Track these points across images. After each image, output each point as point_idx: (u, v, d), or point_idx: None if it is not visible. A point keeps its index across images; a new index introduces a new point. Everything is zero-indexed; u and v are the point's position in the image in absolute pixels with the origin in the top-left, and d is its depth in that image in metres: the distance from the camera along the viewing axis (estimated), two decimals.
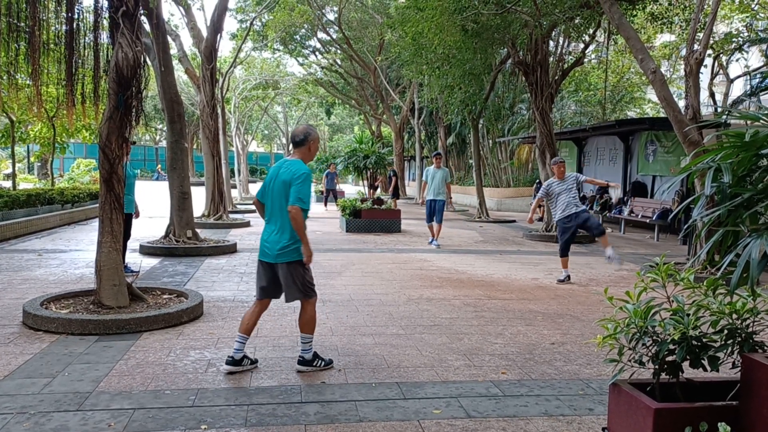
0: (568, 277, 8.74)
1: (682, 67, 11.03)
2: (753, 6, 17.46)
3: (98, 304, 5.84)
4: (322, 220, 18.02)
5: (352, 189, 35.65)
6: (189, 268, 9.00)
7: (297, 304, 4.59)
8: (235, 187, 28.70)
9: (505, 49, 17.04)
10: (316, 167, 32.21)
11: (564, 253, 8.77)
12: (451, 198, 12.33)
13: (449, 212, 21.59)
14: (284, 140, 61.56)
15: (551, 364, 4.82)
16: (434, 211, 12.41)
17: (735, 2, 17.87)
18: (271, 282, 4.53)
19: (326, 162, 26.83)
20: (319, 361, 4.53)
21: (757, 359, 2.65)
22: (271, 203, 4.50)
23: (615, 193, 8.20)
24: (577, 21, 13.54)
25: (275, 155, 62.25)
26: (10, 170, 27.83)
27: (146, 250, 10.26)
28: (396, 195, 21.38)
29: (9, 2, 6.42)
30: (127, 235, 7.94)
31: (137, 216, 8.78)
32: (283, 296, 4.56)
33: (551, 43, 16.89)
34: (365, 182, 25.29)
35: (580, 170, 21.28)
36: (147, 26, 10.48)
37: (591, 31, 15.03)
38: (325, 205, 23.25)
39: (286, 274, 4.41)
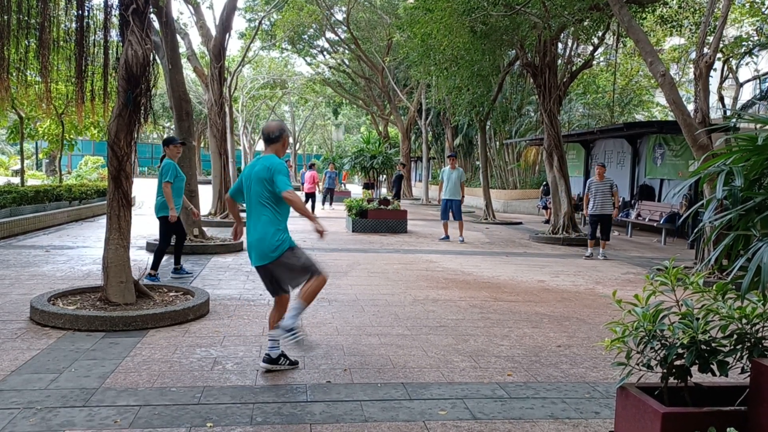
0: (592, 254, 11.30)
1: (692, 70, 10.98)
2: (763, 10, 17.37)
3: (105, 300, 5.86)
4: (327, 220, 18.05)
5: (358, 189, 35.69)
6: (195, 266, 9.02)
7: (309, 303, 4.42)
8: None
9: (514, 51, 17.01)
10: (323, 166, 32.30)
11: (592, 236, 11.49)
12: (463, 197, 13.55)
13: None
14: (291, 140, 61.79)
15: (557, 366, 4.80)
16: (449, 209, 13.40)
17: (745, 6, 17.79)
18: (274, 281, 4.48)
19: (332, 161, 26.94)
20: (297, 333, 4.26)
21: (767, 364, 2.63)
22: (249, 199, 4.45)
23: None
24: (586, 23, 13.50)
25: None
26: (18, 166, 27.99)
27: (153, 248, 10.25)
28: (397, 196, 21.49)
29: None
30: (182, 235, 8.31)
31: (196, 216, 9.81)
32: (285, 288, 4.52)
33: (560, 45, 16.87)
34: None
35: (587, 173, 21.23)
36: (156, 24, 10.52)
37: (600, 33, 14.99)
38: (330, 204, 23.36)
39: (283, 266, 4.34)
